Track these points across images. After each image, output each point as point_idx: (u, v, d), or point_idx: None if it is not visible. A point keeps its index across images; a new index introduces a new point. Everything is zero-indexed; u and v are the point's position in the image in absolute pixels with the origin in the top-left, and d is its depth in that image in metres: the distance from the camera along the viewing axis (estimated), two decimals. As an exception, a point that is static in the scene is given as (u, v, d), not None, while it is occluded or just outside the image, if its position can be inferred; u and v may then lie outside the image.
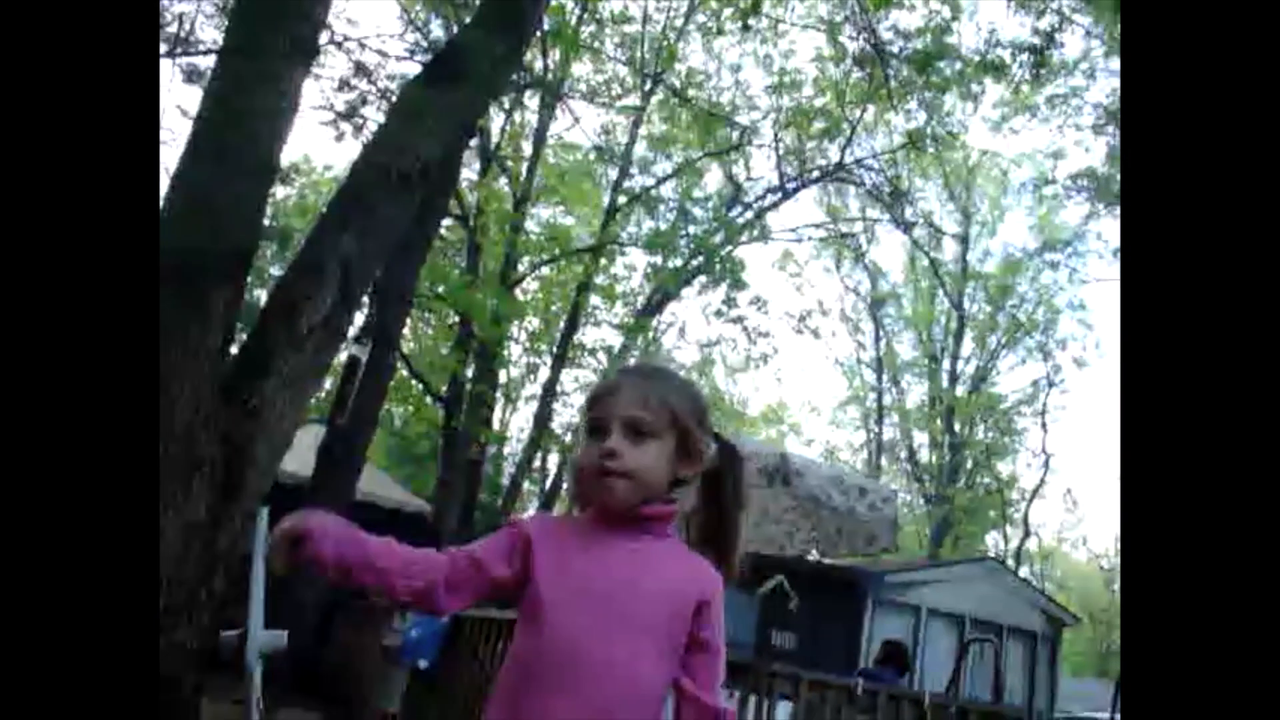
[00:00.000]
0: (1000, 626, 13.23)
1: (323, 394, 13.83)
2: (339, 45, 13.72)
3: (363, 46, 14.01)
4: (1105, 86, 22.58)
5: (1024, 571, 29.81)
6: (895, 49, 15.22)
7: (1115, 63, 20.13)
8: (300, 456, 8.44)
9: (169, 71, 6.73)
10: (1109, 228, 23.62)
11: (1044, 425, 29.84)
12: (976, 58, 14.67)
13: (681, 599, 1.60)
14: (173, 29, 7.38)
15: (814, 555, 10.28)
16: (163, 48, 6.60)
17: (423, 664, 8.25)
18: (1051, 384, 29.55)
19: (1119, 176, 22.28)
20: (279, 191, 16.44)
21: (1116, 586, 42.36)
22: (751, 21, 16.47)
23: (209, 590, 4.85)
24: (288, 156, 16.28)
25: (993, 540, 31.91)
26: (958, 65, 15.28)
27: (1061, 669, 16.65)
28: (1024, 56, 13.23)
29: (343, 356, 9.54)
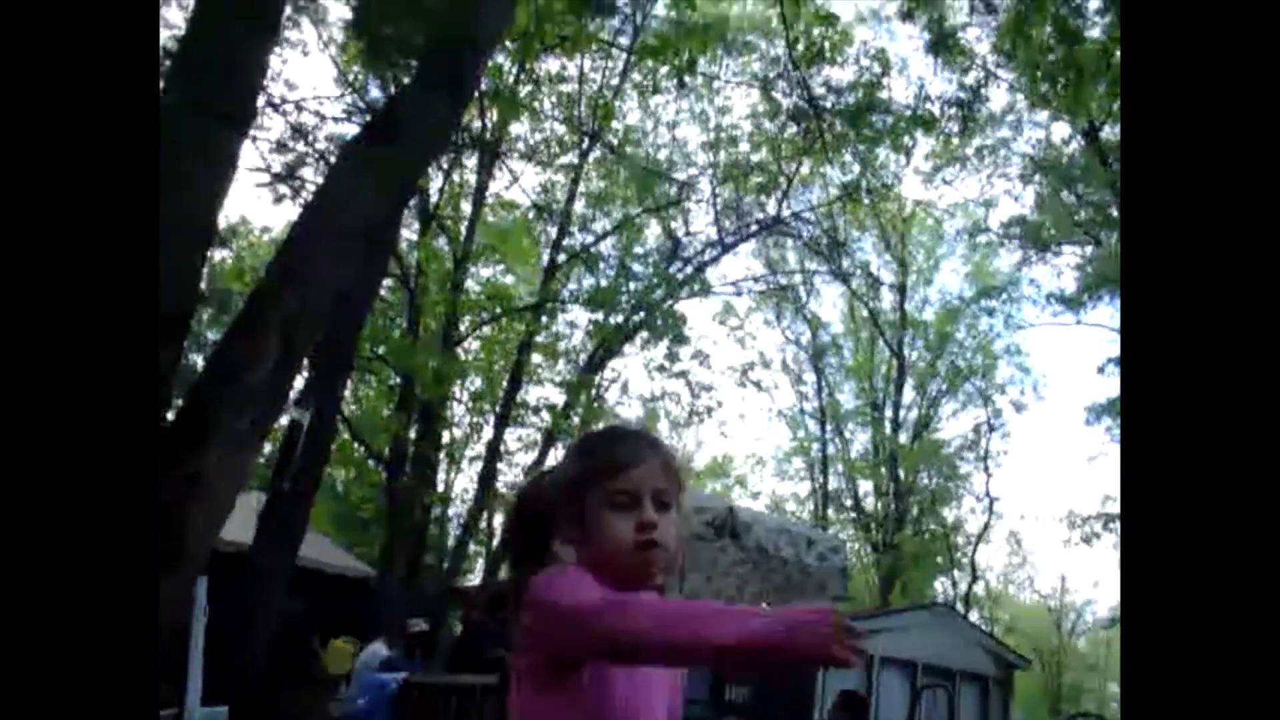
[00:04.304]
0: (953, 672, 13.22)
1: (263, 458, 13.56)
2: (276, 108, 13.73)
3: (300, 109, 14.01)
4: (1031, 137, 23.32)
5: (973, 616, 29.93)
6: (828, 104, 15.56)
7: (1040, 114, 20.78)
8: (240, 523, 8.24)
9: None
10: (1041, 273, 24.24)
11: (987, 469, 30.10)
12: (907, 112, 15.03)
13: None
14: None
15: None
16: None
17: (371, 734, 8.00)
18: (992, 428, 29.89)
19: (1047, 223, 22.87)
20: (217, 254, 16.26)
21: (1065, 627, 42.69)
22: (687, 79, 16.74)
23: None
24: (225, 219, 16.19)
25: (941, 585, 32.00)
26: (889, 119, 15.64)
27: (1014, 712, 16.68)
28: (952, 110, 13.59)
29: (284, 420, 9.35)
